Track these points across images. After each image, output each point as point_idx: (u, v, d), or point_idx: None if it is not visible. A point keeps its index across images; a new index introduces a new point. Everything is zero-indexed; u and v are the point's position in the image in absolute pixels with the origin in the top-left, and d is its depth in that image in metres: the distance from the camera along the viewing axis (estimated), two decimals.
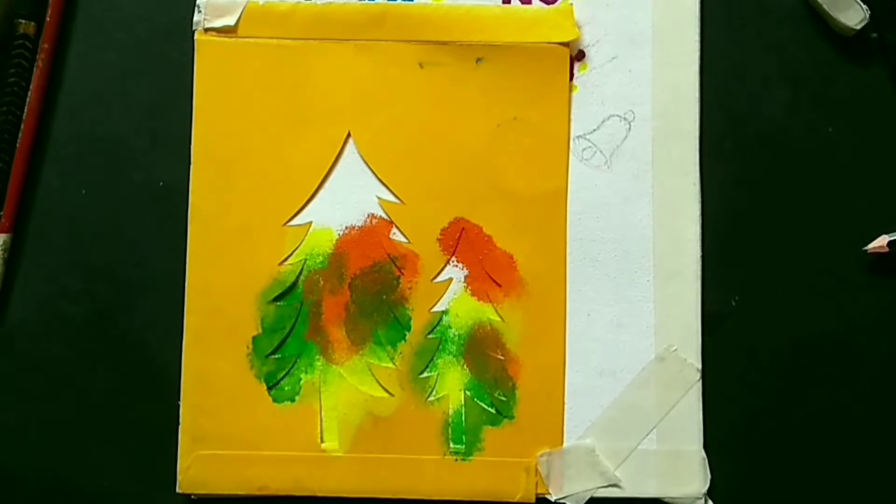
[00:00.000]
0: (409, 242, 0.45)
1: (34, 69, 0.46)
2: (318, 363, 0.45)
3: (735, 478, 0.45)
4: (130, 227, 0.46)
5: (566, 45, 0.46)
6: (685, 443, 0.44)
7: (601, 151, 0.46)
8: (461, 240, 0.45)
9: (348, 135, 0.46)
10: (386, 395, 0.45)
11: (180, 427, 0.44)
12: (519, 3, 0.46)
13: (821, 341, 0.45)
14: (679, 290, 0.45)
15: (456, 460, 0.44)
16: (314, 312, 0.45)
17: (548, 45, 0.46)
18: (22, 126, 0.46)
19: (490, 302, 0.45)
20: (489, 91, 0.46)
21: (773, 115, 0.46)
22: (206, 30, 0.46)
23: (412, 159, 0.45)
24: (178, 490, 0.44)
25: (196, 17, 0.46)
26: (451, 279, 0.45)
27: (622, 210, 0.45)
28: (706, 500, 0.44)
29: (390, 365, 0.45)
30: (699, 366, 0.45)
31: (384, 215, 0.46)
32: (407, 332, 0.45)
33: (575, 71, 0.46)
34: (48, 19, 0.46)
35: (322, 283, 0.45)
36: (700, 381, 0.45)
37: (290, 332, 0.45)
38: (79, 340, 0.46)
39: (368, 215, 0.46)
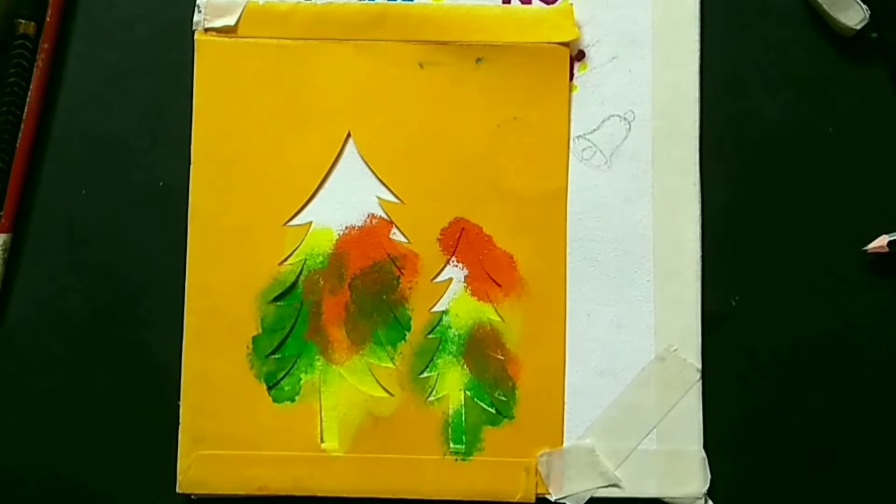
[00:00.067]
0: (409, 242, 0.45)
1: (34, 69, 0.46)
2: (318, 363, 0.45)
3: (735, 478, 0.45)
4: (130, 227, 0.46)
5: (566, 45, 0.46)
6: (685, 443, 0.44)
7: (601, 151, 0.46)
8: (461, 240, 0.45)
9: (348, 135, 0.46)
10: (386, 395, 0.45)
11: (180, 427, 0.44)
12: (519, 3, 0.46)
13: (821, 341, 0.45)
14: (679, 290, 0.45)
15: (456, 460, 0.44)
16: (314, 312, 0.45)
17: (548, 45, 0.46)
18: (22, 126, 0.46)
19: (490, 302, 0.45)
20: (489, 91, 0.46)
21: (773, 114, 0.46)
22: (206, 30, 0.46)
23: (412, 159, 0.45)
24: (178, 490, 0.44)
25: (196, 17, 0.46)
26: (451, 279, 0.45)
27: (622, 210, 0.45)
28: (706, 500, 0.44)
29: (390, 365, 0.45)
30: (699, 366, 0.45)
31: (384, 215, 0.46)
32: (407, 332, 0.45)
33: (575, 71, 0.46)
34: (48, 19, 0.46)
35: (322, 283, 0.45)
36: (700, 381, 0.45)
37: (290, 332, 0.45)
38: (79, 340, 0.46)
39: (368, 215, 0.46)
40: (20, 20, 0.46)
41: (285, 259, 0.45)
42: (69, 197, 0.46)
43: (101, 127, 0.47)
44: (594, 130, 0.46)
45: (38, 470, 0.45)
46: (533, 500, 0.44)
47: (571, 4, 0.46)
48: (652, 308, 0.45)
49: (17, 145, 0.46)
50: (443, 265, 0.45)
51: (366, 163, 0.46)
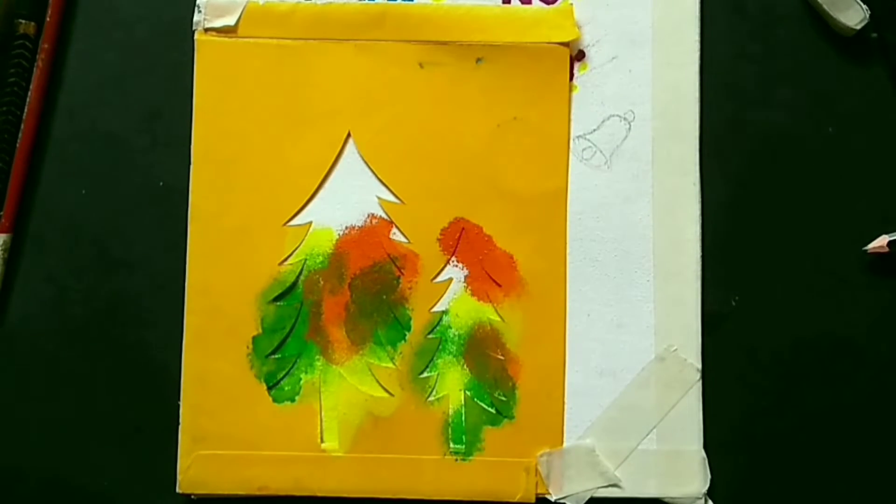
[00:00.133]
0: (409, 242, 0.45)
1: (34, 69, 0.46)
2: (318, 363, 0.45)
3: (735, 478, 0.45)
4: (130, 227, 0.46)
5: (566, 45, 0.46)
6: (685, 443, 0.44)
7: (601, 151, 0.46)
8: (461, 240, 0.45)
9: (348, 135, 0.46)
10: (386, 395, 0.45)
11: (180, 427, 0.44)
12: (519, 3, 0.46)
13: (821, 341, 0.45)
14: (679, 290, 0.45)
15: (456, 460, 0.44)
16: (314, 312, 0.45)
17: (548, 45, 0.46)
18: (22, 126, 0.46)
19: (490, 302, 0.45)
20: (489, 91, 0.46)
21: (773, 114, 0.46)
22: (206, 30, 0.46)
23: (412, 159, 0.45)
24: (178, 490, 0.44)
25: (196, 17, 0.46)
26: (451, 279, 0.45)
27: (622, 210, 0.45)
28: (706, 500, 0.44)
29: (390, 365, 0.45)
30: (699, 366, 0.45)
31: (384, 215, 0.46)
32: (407, 332, 0.45)
33: (575, 71, 0.46)
34: (48, 19, 0.46)
35: (322, 283, 0.45)
36: (700, 381, 0.45)
37: (290, 332, 0.45)
38: (79, 340, 0.46)
39: (368, 215, 0.46)
40: (20, 20, 0.46)
41: (285, 259, 0.45)
42: (69, 197, 0.46)
43: (101, 127, 0.47)
44: (594, 130, 0.46)
45: (38, 470, 0.45)
46: (533, 500, 0.44)
47: (571, 4, 0.46)
48: (652, 308, 0.45)
49: (17, 145, 0.46)
50: (443, 265, 0.45)
51: (366, 163, 0.46)
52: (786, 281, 0.46)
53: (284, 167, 0.45)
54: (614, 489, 0.44)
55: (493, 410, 0.45)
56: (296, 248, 0.45)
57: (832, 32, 0.47)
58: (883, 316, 0.45)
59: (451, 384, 0.45)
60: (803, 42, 0.47)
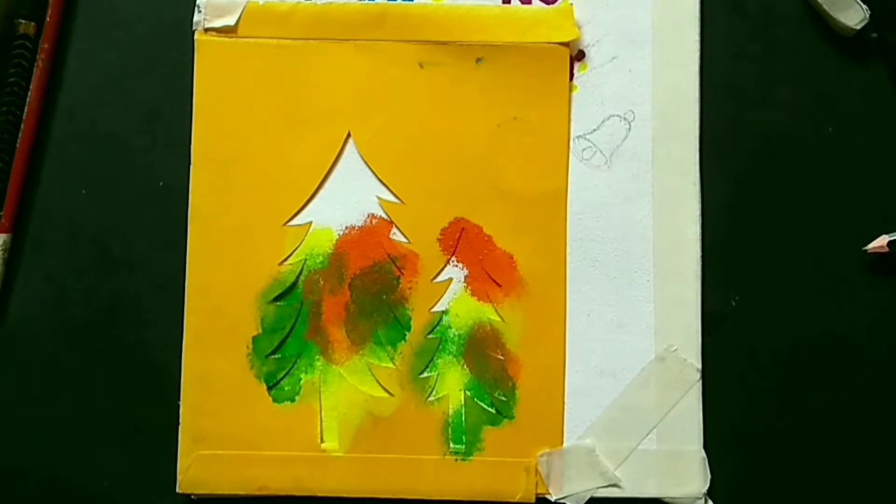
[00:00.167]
0: (409, 242, 0.45)
1: (34, 69, 0.46)
2: (318, 363, 0.45)
3: (735, 478, 0.45)
4: (130, 227, 0.46)
5: (566, 45, 0.46)
6: (685, 443, 0.44)
7: (601, 151, 0.46)
8: (461, 240, 0.45)
9: (348, 135, 0.46)
10: (386, 395, 0.45)
11: (180, 427, 0.44)
12: (519, 3, 0.46)
13: (821, 341, 0.45)
14: (679, 290, 0.45)
15: (456, 460, 0.44)
16: (314, 312, 0.45)
17: (548, 45, 0.46)
18: (22, 126, 0.46)
19: (490, 302, 0.45)
20: (489, 91, 0.46)
21: (773, 114, 0.46)
22: (206, 30, 0.46)
23: (412, 159, 0.45)
24: (178, 490, 0.44)
25: (196, 17, 0.46)
26: (451, 279, 0.45)
27: (622, 210, 0.45)
28: (706, 500, 0.44)
29: (390, 365, 0.45)
30: (699, 366, 0.45)
31: (384, 215, 0.46)
32: (407, 332, 0.45)
33: (575, 71, 0.46)
34: (48, 19, 0.46)
35: (322, 283, 0.45)
36: (700, 381, 0.45)
37: (290, 332, 0.45)
38: (79, 340, 0.46)
39: (368, 215, 0.46)
40: (20, 20, 0.46)
41: (285, 259, 0.45)
42: (69, 197, 0.46)
43: (101, 127, 0.47)
44: (594, 130, 0.46)
45: (38, 470, 0.45)
46: (533, 500, 0.44)
47: (571, 4, 0.46)
48: (652, 308, 0.45)
49: (17, 145, 0.46)
50: (443, 265, 0.45)
51: (366, 163, 0.46)
52: (786, 281, 0.46)
53: (284, 167, 0.45)
54: (614, 489, 0.44)
55: (493, 410, 0.45)
56: (296, 248, 0.45)
57: (832, 32, 0.47)
58: (883, 316, 0.45)
59: (451, 384, 0.45)
60: (803, 42, 0.47)
